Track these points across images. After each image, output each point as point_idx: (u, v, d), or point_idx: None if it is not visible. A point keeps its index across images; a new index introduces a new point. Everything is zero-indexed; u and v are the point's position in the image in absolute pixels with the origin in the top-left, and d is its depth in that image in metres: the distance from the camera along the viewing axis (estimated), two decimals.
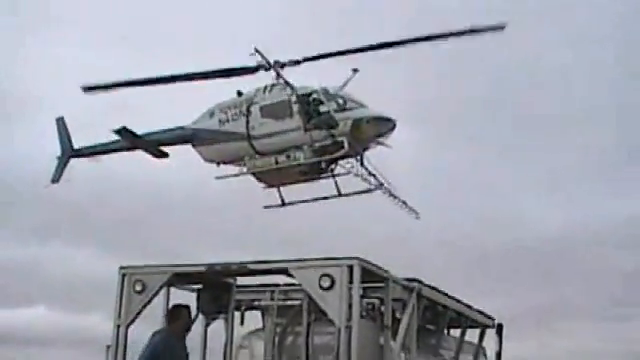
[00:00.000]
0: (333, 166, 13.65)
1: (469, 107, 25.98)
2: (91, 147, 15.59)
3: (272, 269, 8.96)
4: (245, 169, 13.99)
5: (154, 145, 14.82)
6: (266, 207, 13.87)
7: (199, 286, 9.95)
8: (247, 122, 13.72)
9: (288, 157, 13.42)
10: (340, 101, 13.31)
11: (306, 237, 19.14)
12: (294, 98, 13.41)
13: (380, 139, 13.48)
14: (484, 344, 13.27)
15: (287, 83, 13.48)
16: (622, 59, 28.16)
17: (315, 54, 13.60)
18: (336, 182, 13.68)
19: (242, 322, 10.77)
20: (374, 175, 13.62)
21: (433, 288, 10.18)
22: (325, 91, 13.43)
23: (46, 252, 29.53)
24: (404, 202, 13.85)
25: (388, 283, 8.74)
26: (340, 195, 13.64)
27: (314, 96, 13.37)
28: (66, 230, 27.09)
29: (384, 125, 13.25)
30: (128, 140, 14.64)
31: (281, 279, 9.73)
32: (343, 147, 12.87)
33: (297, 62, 13.81)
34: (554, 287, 28.84)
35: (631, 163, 28.37)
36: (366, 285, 8.66)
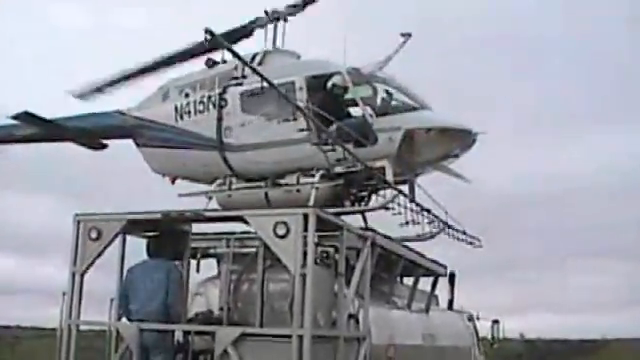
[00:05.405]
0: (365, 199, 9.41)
1: None
2: None
3: (228, 216, 9.06)
4: (215, 198, 9.60)
5: (78, 135, 10.67)
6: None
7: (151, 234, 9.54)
8: (219, 119, 8.87)
9: (288, 192, 9.09)
10: (382, 94, 8.51)
11: None
12: (301, 81, 8.41)
13: (447, 161, 9.14)
14: (436, 292, 13.57)
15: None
16: None
17: None
18: (365, 218, 9.71)
19: (198, 269, 10.77)
20: (429, 211, 9.21)
21: (387, 237, 10.33)
22: (355, 73, 8.45)
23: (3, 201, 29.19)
24: (464, 232, 10.11)
25: (342, 232, 8.87)
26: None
27: (335, 80, 8.39)
28: (23, 180, 26.68)
29: (457, 140, 8.46)
30: (36, 127, 10.47)
31: (237, 227, 9.79)
32: (384, 176, 8.32)
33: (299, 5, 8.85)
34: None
35: None
36: (321, 234, 8.75)
